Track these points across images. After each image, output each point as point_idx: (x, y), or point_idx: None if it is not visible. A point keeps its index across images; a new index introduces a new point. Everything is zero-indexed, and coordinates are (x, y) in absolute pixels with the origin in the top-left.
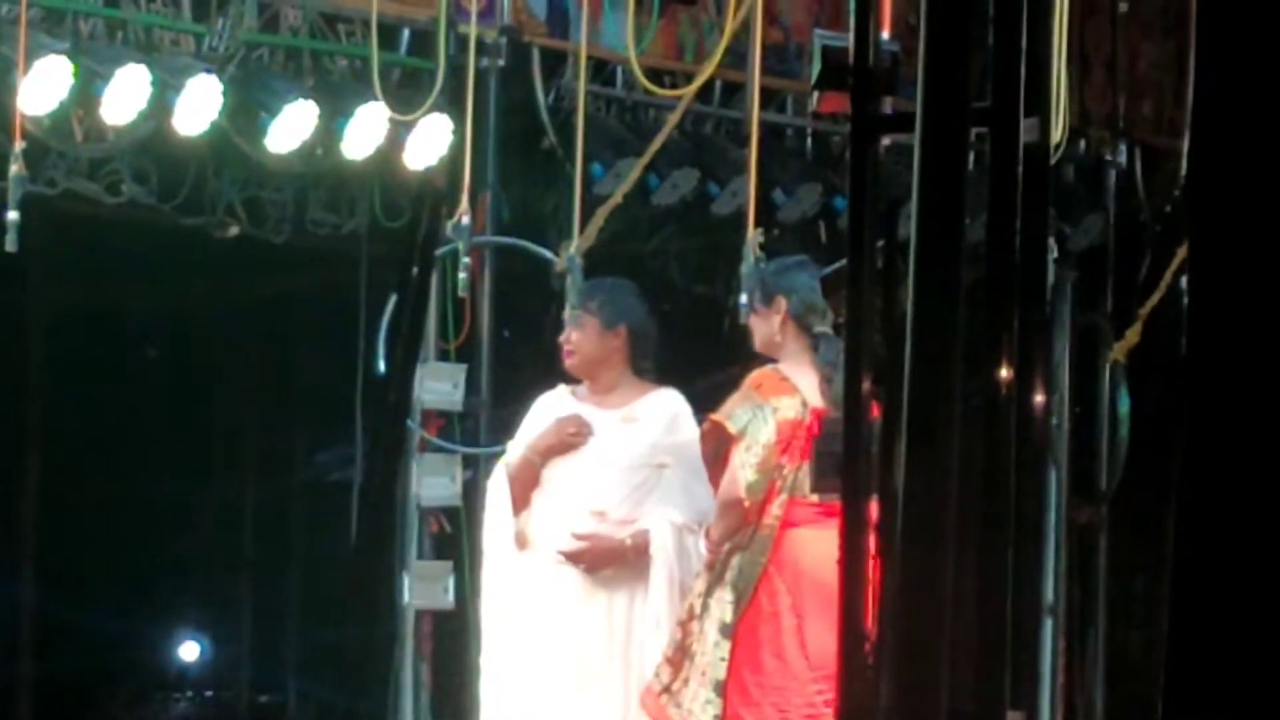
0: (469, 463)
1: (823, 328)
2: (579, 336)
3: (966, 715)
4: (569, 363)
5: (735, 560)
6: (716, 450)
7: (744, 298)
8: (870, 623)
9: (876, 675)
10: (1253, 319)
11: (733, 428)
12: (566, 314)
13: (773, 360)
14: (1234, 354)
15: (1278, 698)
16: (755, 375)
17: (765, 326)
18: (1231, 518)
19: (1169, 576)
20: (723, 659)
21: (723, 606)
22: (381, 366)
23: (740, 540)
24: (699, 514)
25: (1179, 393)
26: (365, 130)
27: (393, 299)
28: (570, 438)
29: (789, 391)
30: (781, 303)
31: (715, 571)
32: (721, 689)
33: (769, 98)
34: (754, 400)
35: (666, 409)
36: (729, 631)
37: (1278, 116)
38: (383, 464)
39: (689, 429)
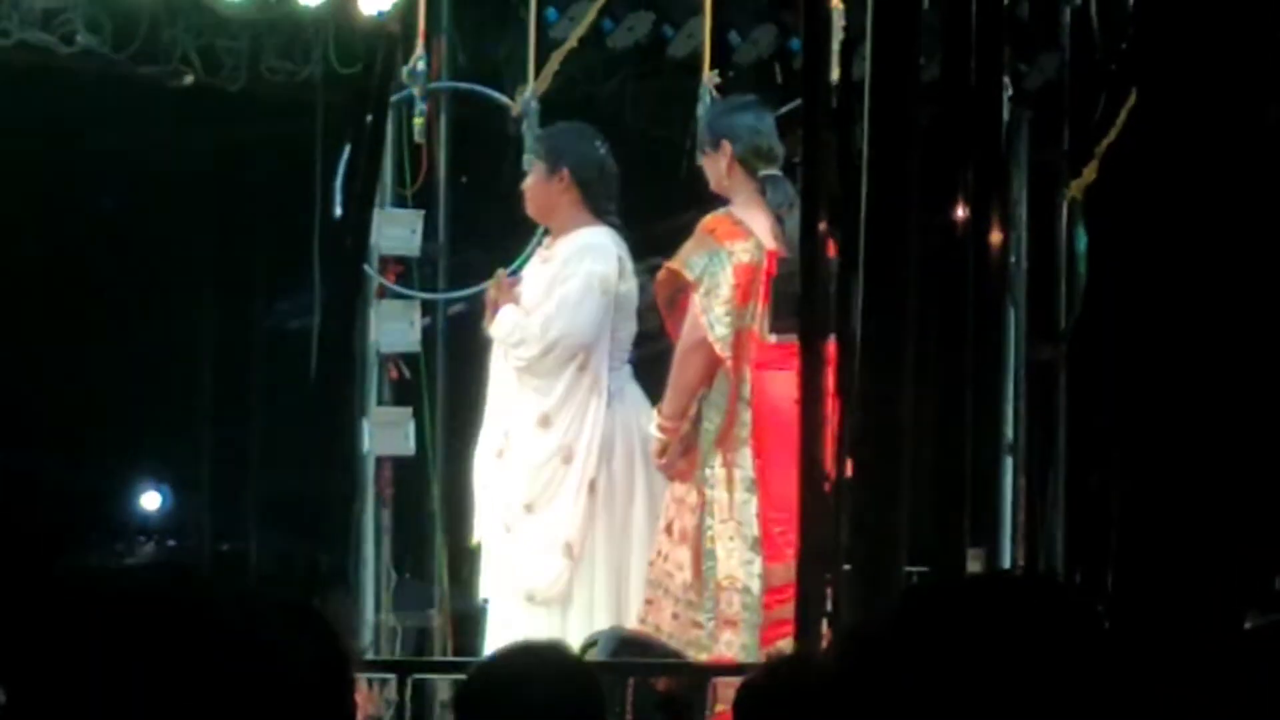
0: (428, 309)
1: (771, 170)
2: (529, 182)
3: (927, 553)
4: (527, 209)
5: (708, 410)
6: (672, 296)
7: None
8: (830, 462)
9: (837, 514)
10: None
11: (689, 274)
12: (526, 159)
13: (725, 203)
14: (1180, 184)
15: (1224, 536)
16: (709, 220)
17: (714, 169)
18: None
19: (1123, 415)
20: (755, 514)
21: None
22: (338, 213)
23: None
24: (543, 329)
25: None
26: None
27: (348, 146)
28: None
29: (743, 235)
30: (727, 146)
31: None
32: (759, 545)
33: None
34: (709, 245)
35: (570, 246)
36: (753, 486)
37: None
38: (341, 311)
39: (580, 264)
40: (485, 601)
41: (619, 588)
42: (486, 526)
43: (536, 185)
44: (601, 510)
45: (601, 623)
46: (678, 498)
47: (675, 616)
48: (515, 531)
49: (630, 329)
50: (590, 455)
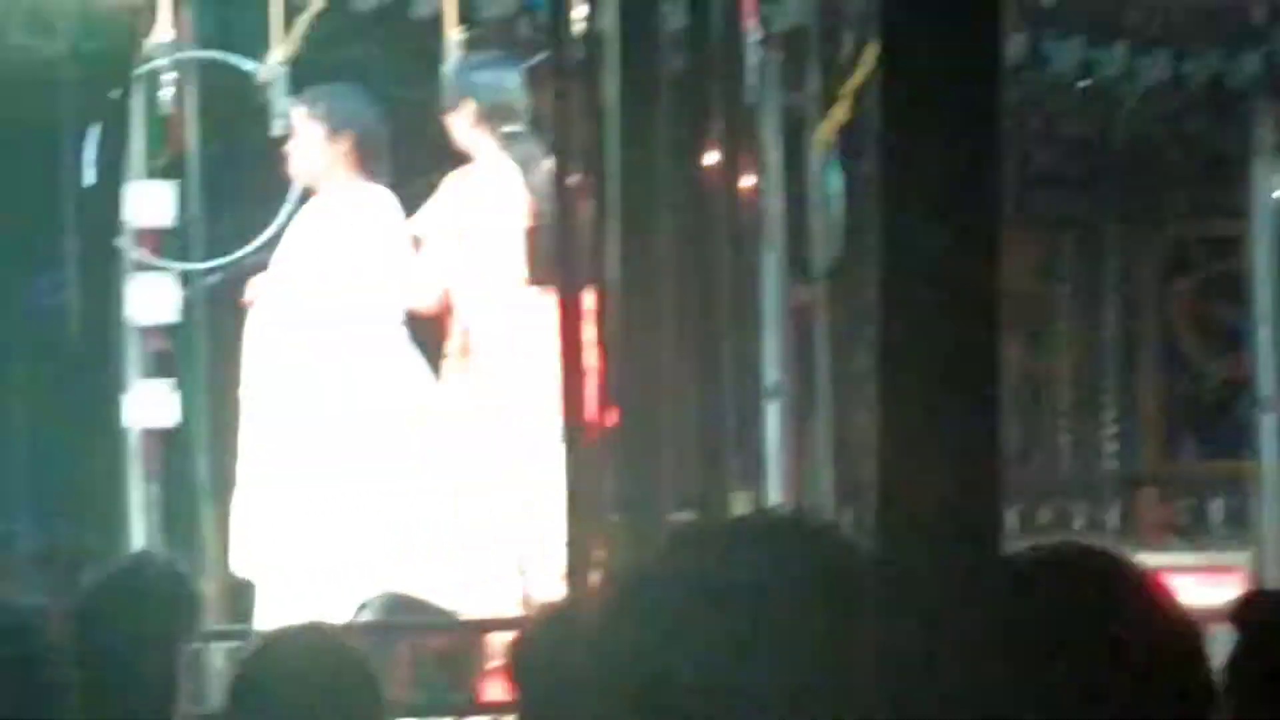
0: (185, 279)
1: (512, 127)
2: (303, 143)
3: (693, 499)
4: (293, 170)
5: None
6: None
7: None
8: (592, 412)
9: (600, 461)
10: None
11: (439, 234)
12: (275, 124)
13: (473, 161)
14: (924, 118)
15: (984, 472)
16: (452, 178)
17: (458, 128)
18: (926, 292)
19: (877, 359)
20: None
21: None
22: (90, 189)
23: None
24: (339, 301)
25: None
26: None
27: (97, 121)
28: None
29: (492, 192)
30: (467, 105)
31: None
32: None
33: None
34: (458, 204)
35: (349, 207)
36: None
37: None
38: (96, 285)
39: (362, 223)
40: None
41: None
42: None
43: (312, 147)
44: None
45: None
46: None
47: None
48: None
49: None
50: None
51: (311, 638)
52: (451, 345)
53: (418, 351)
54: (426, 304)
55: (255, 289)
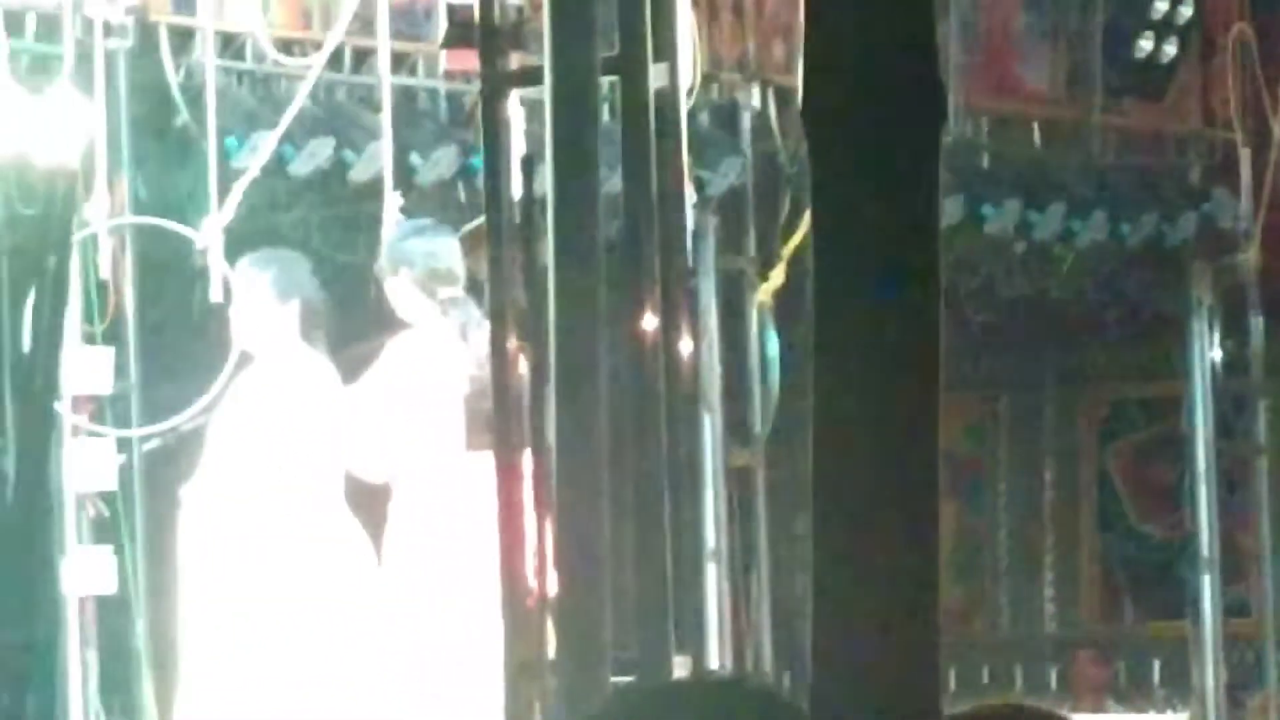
0: (123, 446)
1: (450, 291)
2: (250, 310)
3: (634, 663)
4: (236, 335)
5: None
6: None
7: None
8: (531, 576)
9: (541, 626)
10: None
11: (380, 403)
12: (214, 290)
13: (413, 327)
14: (854, 281)
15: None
16: (392, 344)
17: (396, 296)
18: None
19: (812, 521)
20: None
21: None
22: (27, 355)
23: None
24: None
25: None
26: None
27: (33, 287)
28: None
29: (432, 358)
30: (404, 273)
31: None
32: None
33: (399, 61)
34: (397, 371)
35: (290, 377)
36: None
37: (885, 29)
38: (34, 452)
39: (287, 397)
40: None
41: None
42: None
43: (262, 313)
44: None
45: None
46: None
47: None
48: None
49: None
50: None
51: None
52: (394, 509)
53: (355, 519)
54: (370, 471)
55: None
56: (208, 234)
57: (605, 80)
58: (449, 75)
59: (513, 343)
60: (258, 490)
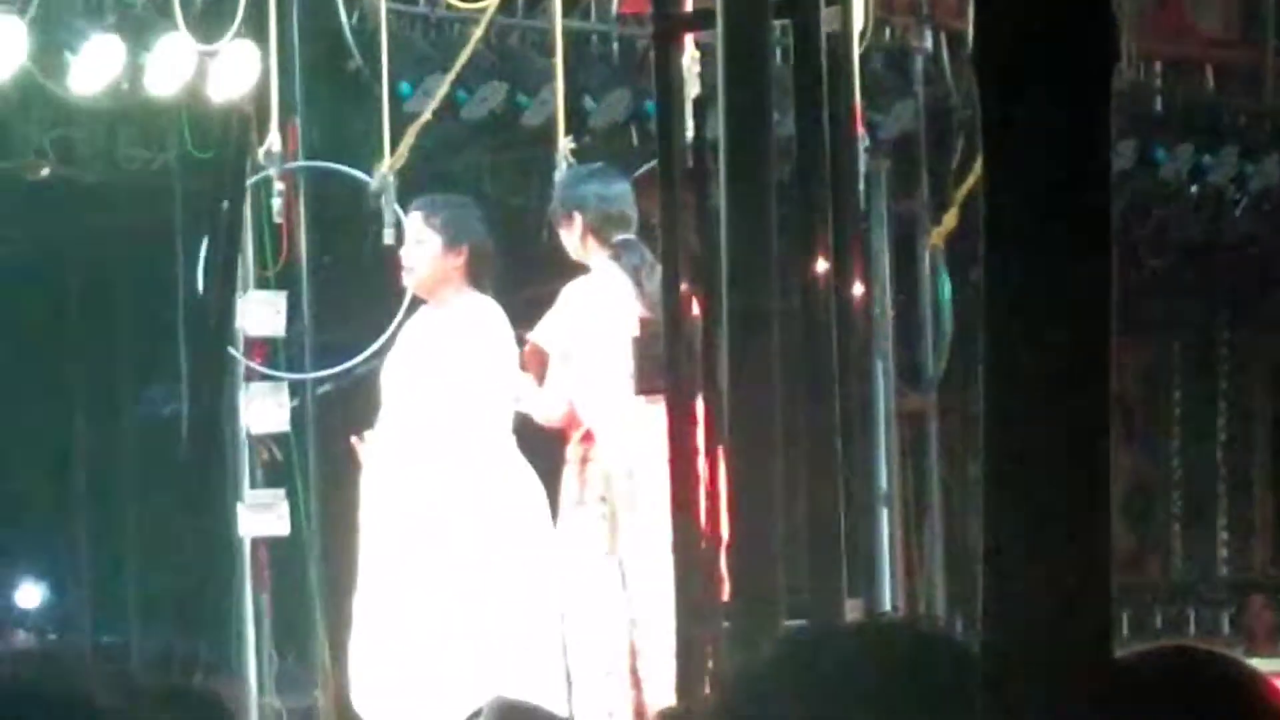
0: (296, 389)
1: (624, 235)
2: (419, 253)
3: (806, 607)
4: (406, 279)
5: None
6: (542, 369)
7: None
8: (704, 520)
9: (714, 571)
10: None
11: (554, 346)
12: (386, 233)
13: (586, 271)
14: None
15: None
16: (568, 288)
17: (569, 239)
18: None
19: (984, 464)
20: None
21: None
22: (201, 298)
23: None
24: (456, 418)
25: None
26: (171, 62)
27: (208, 230)
28: None
29: (605, 302)
30: (577, 217)
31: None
32: None
33: (572, 5)
34: (572, 315)
35: (456, 319)
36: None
37: None
38: (208, 395)
39: (474, 336)
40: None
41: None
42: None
43: (432, 258)
44: (529, 573)
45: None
46: (580, 585)
47: (614, 693)
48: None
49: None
50: (520, 524)
51: None
52: (570, 454)
53: (527, 463)
54: (550, 416)
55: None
56: (380, 178)
57: (778, 23)
58: (622, 19)
59: (685, 287)
60: (429, 435)
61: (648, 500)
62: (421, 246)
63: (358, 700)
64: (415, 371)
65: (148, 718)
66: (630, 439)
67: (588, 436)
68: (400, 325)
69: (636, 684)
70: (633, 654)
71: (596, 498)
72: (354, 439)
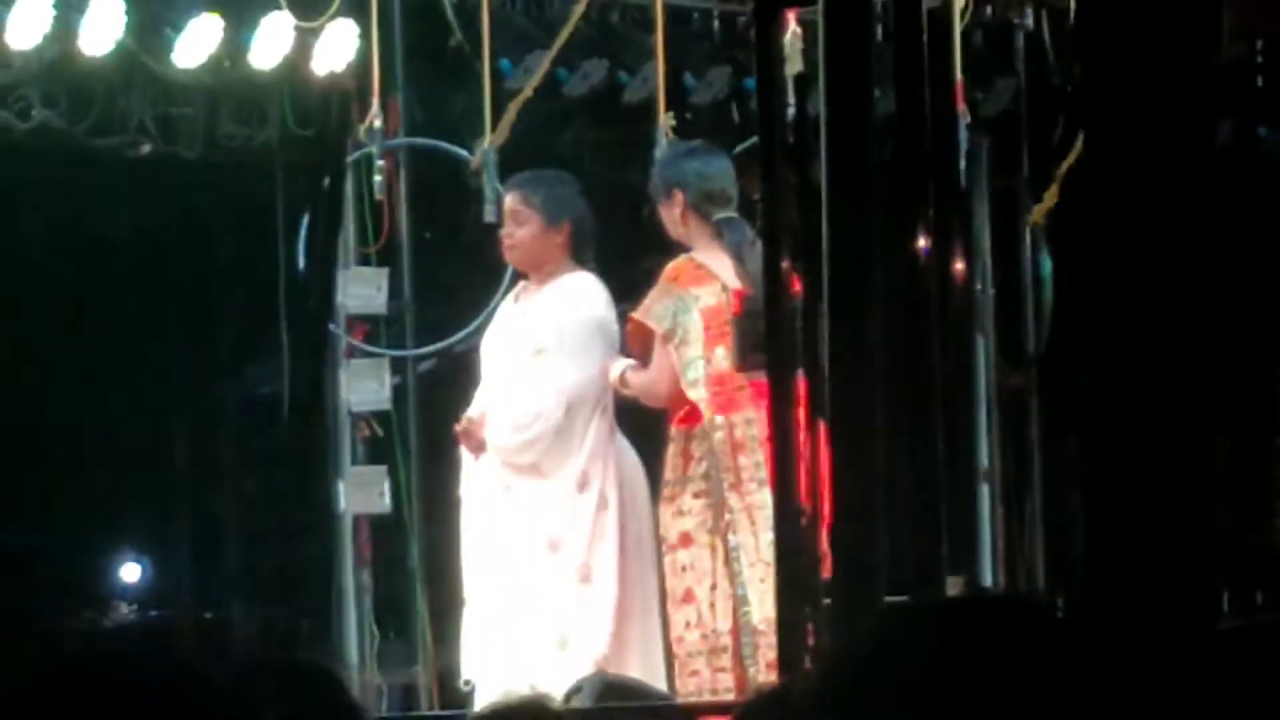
0: (397, 366)
1: (725, 213)
2: (521, 231)
3: (908, 583)
4: (510, 257)
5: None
6: (644, 348)
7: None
8: (805, 496)
9: (815, 547)
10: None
11: (656, 325)
12: (487, 210)
13: (688, 249)
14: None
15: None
16: (671, 267)
17: (669, 217)
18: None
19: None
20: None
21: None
22: (302, 275)
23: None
24: (556, 394)
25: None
26: (271, 39)
27: (308, 207)
28: None
29: (707, 279)
30: (678, 194)
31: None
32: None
33: None
34: (674, 293)
35: (560, 294)
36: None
37: None
38: (309, 373)
39: (576, 310)
40: (469, 684)
41: (646, 628)
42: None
43: (533, 235)
44: (630, 551)
45: (635, 668)
46: (683, 565)
47: (718, 672)
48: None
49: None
50: (622, 503)
51: (530, 714)
52: (674, 433)
53: (628, 442)
54: (655, 394)
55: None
56: (481, 155)
57: (879, 0)
58: None
59: (786, 263)
60: (529, 411)
61: (752, 478)
62: (522, 225)
63: (468, 668)
64: (515, 348)
65: (266, 692)
66: (734, 417)
67: (692, 415)
68: (500, 302)
69: (739, 662)
70: (736, 632)
71: (701, 475)
72: (457, 427)
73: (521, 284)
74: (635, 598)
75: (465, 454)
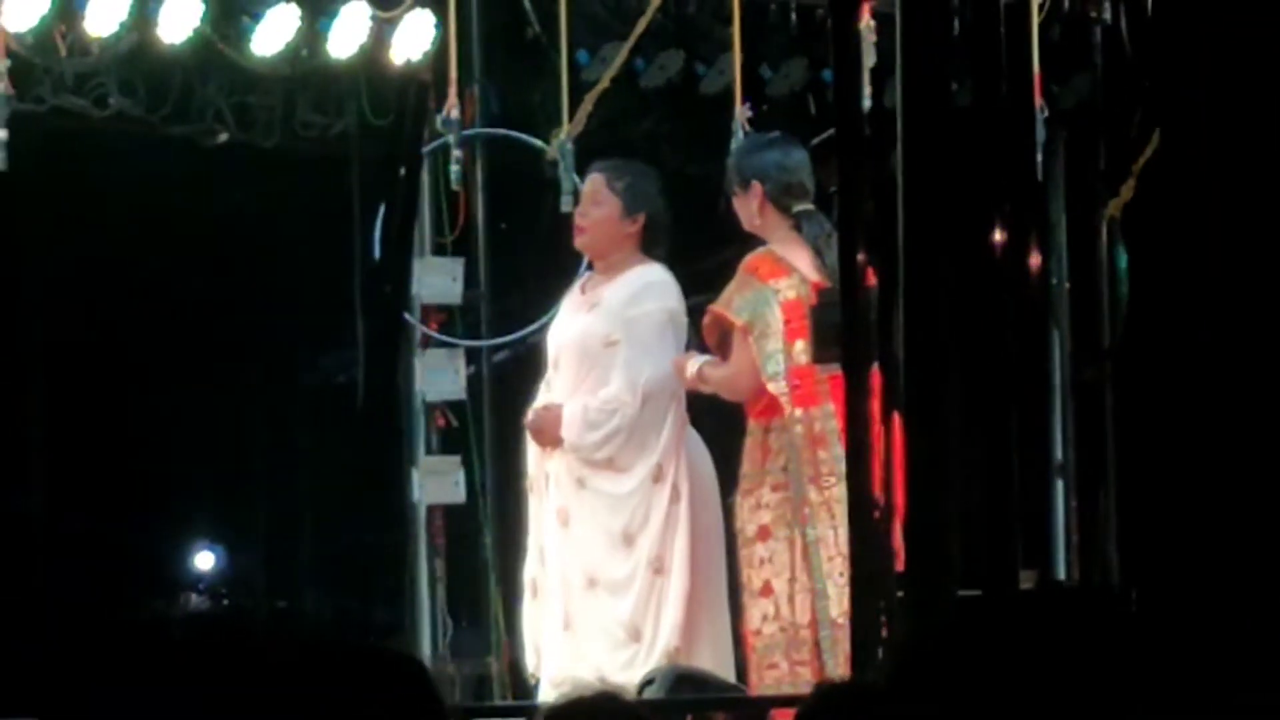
0: (472, 356)
1: (803, 205)
2: (596, 215)
3: (981, 576)
4: (579, 240)
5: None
6: (720, 340)
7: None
8: (879, 489)
9: (888, 540)
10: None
11: (736, 318)
12: (564, 201)
13: (763, 241)
14: (1204, 196)
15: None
16: (750, 259)
17: (746, 209)
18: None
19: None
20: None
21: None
22: (377, 265)
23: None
24: (631, 387)
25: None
26: (349, 29)
27: (385, 197)
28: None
29: (786, 271)
30: (756, 186)
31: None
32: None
33: None
34: (753, 285)
35: (631, 285)
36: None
37: None
38: (384, 362)
39: (648, 302)
40: (534, 677)
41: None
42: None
43: (608, 218)
44: (701, 542)
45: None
46: (761, 558)
47: (797, 665)
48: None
49: None
50: (693, 494)
51: (605, 706)
52: (752, 426)
53: (696, 434)
54: (734, 388)
55: None
56: (558, 145)
57: None
58: None
59: (862, 256)
60: (596, 402)
61: (831, 472)
62: (599, 208)
63: (531, 661)
64: (585, 339)
65: (347, 679)
66: (814, 411)
67: (771, 408)
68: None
69: (818, 655)
70: (814, 625)
71: (779, 469)
72: (526, 420)
73: (588, 274)
74: (705, 589)
75: (531, 444)
